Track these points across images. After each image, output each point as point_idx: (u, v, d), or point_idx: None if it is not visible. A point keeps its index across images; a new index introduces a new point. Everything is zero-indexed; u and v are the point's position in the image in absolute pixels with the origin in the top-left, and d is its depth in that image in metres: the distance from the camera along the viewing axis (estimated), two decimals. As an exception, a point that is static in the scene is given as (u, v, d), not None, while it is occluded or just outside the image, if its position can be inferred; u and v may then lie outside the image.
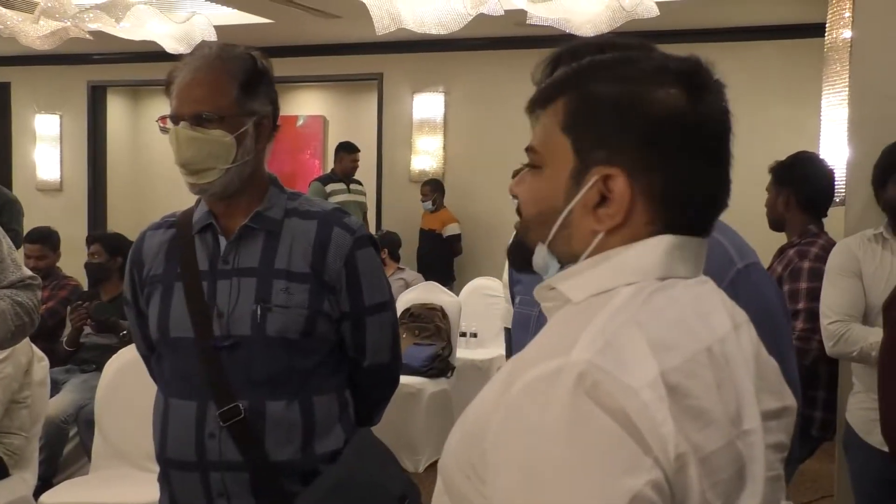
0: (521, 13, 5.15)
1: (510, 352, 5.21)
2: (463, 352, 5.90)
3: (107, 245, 4.94)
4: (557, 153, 1.02)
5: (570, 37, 4.97)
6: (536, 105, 1.06)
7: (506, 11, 5.17)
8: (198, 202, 1.91)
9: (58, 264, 5.34)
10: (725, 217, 1.11)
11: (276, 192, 1.89)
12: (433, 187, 7.73)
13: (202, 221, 1.86)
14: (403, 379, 5.15)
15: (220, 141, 1.77)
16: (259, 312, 1.79)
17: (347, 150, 7.71)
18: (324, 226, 1.85)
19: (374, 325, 1.92)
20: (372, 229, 7.93)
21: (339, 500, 1.79)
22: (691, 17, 6.74)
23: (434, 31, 5.18)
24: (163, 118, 1.80)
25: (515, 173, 1.20)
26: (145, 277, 1.90)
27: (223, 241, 1.84)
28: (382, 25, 5.06)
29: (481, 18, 5.13)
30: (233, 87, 1.79)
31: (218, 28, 6.35)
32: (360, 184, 7.83)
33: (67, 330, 4.87)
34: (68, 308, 4.87)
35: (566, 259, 1.04)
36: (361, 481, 1.83)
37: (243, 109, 1.80)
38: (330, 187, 7.56)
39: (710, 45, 6.67)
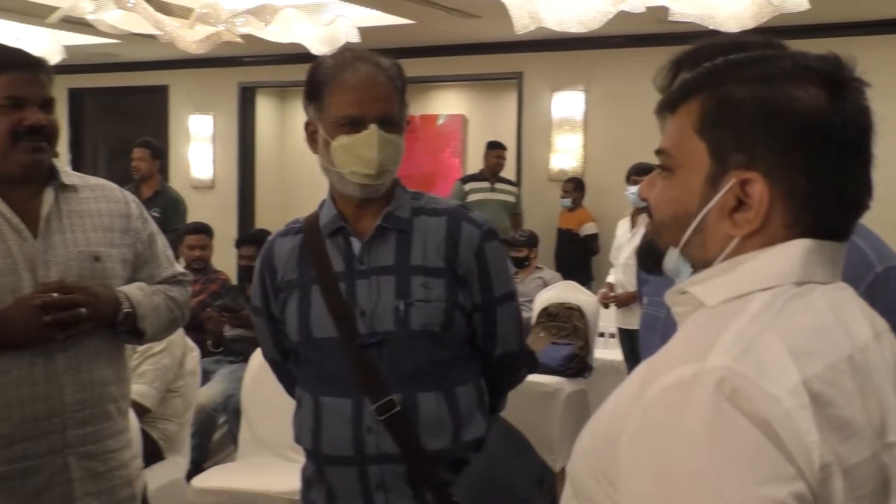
0: (663, 9, 5.05)
1: (631, 354, 5.11)
2: (601, 352, 5.84)
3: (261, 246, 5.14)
4: (692, 156, 1.00)
5: (713, 33, 4.84)
6: (667, 106, 1.04)
7: (647, 8, 5.08)
8: (321, 206, 1.96)
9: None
10: (877, 219, 1.06)
11: (401, 192, 1.95)
12: (575, 185, 7.69)
13: (333, 224, 1.91)
14: (540, 378, 5.21)
15: (398, 144, 1.86)
16: (402, 308, 1.84)
17: (490, 147, 7.79)
18: (453, 222, 1.91)
19: (503, 315, 1.96)
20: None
21: (489, 485, 1.84)
22: (843, 10, 6.45)
23: (574, 30, 5.13)
24: (344, 119, 1.84)
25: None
26: (279, 283, 1.95)
27: (355, 242, 1.90)
28: (522, 24, 5.05)
29: (622, 15, 5.05)
30: (398, 94, 1.87)
31: (361, 30, 6.48)
32: (509, 183, 7.84)
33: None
34: (205, 313, 5.06)
35: (699, 264, 1.02)
36: (506, 466, 1.88)
37: (403, 115, 1.89)
38: (469, 186, 7.63)
39: (861, 39, 6.37)
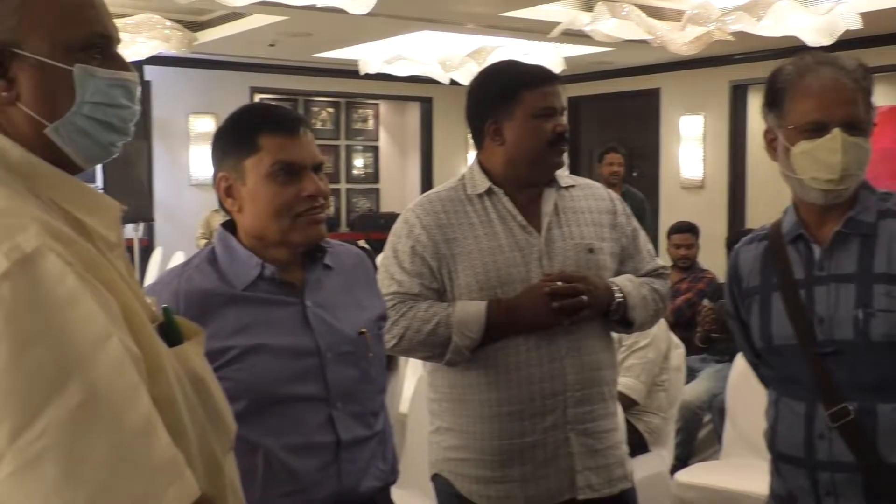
0: None
1: None
2: None
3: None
4: None
5: None
6: None
7: None
8: (785, 213, 1.93)
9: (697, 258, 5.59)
10: None
11: (866, 194, 1.84)
12: None
13: (794, 231, 1.88)
14: None
15: (864, 147, 1.79)
16: (861, 317, 1.75)
17: None
18: None
19: None
20: None
21: None
22: None
23: None
24: (806, 126, 1.80)
25: None
26: (744, 290, 1.96)
27: (816, 249, 1.84)
28: None
29: None
30: (863, 96, 1.80)
31: (863, 15, 6.03)
32: None
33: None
34: (699, 309, 5.08)
35: None
36: None
37: (870, 117, 1.81)
38: None
39: None
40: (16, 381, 0.93)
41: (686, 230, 5.56)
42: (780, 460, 1.88)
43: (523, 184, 2.25)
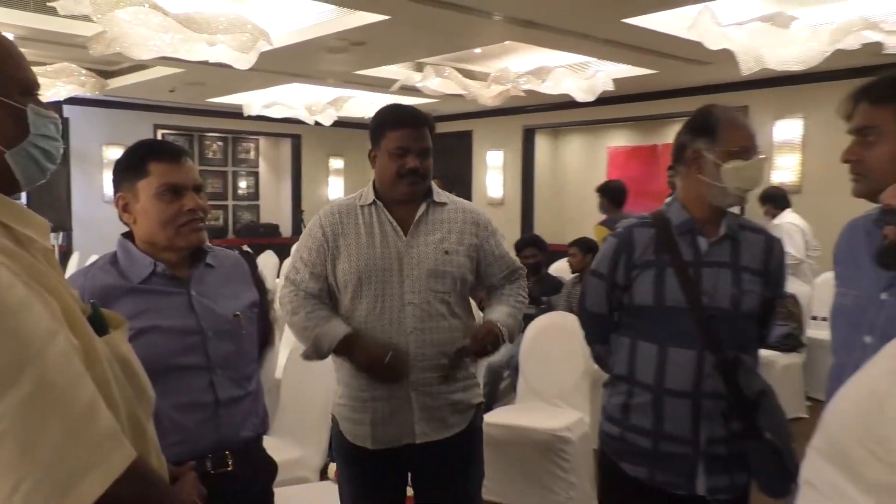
0: (878, 45, 4.48)
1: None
2: (814, 332, 5.30)
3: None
4: None
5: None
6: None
7: (862, 45, 4.54)
8: (668, 207, 1.94)
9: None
10: None
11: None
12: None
13: (686, 225, 1.90)
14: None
15: None
16: (736, 294, 1.85)
17: None
18: (770, 240, 1.95)
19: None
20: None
21: (777, 414, 1.82)
22: None
23: (794, 69, 4.70)
24: (741, 149, 1.85)
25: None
26: (636, 260, 1.91)
27: (702, 241, 1.89)
28: (747, 67, 4.70)
29: (838, 52, 4.55)
30: None
31: (615, 80, 6.34)
32: None
33: None
34: None
35: None
36: (777, 403, 1.85)
37: None
38: None
39: None
40: None
41: None
42: (666, 395, 1.86)
43: (399, 202, 2.14)
